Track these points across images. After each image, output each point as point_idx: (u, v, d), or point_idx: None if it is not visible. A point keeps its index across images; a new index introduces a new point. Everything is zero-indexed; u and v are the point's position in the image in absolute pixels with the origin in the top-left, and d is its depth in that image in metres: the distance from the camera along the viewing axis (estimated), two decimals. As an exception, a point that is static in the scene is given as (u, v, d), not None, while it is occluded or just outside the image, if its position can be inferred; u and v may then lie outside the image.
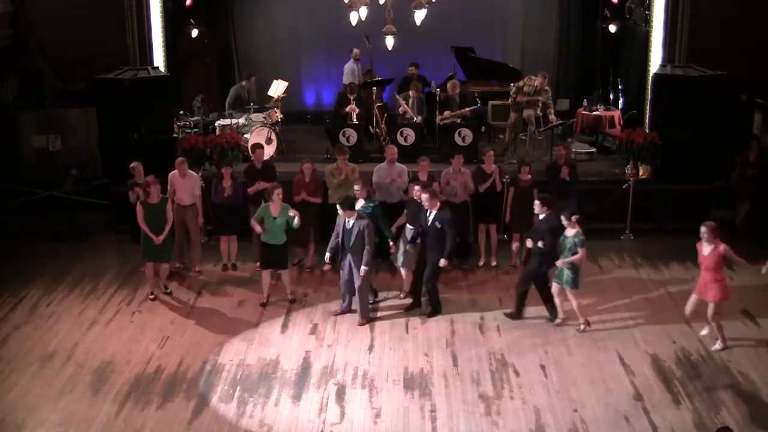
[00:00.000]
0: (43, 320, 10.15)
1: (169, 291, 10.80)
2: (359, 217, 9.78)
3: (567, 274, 9.45)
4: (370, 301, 10.31)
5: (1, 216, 13.63)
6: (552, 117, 13.63)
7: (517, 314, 9.99)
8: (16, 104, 14.97)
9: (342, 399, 8.33)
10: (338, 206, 9.84)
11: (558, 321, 9.81)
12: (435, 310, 10.15)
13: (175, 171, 11.27)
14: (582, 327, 9.66)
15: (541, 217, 9.75)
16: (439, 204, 9.93)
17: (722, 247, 9.00)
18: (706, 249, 9.05)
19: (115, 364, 9.03)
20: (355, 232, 9.71)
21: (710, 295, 9.06)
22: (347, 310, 10.19)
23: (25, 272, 11.55)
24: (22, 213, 13.89)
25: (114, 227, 12.94)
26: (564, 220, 9.43)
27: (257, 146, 11.93)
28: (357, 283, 9.89)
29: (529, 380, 8.63)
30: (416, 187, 10.25)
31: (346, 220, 9.79)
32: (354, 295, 10.04)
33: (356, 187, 10.35)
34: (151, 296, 10.67)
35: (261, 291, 10.58)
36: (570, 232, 9.43)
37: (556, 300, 9.78)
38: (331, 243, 10.01)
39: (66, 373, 8.86)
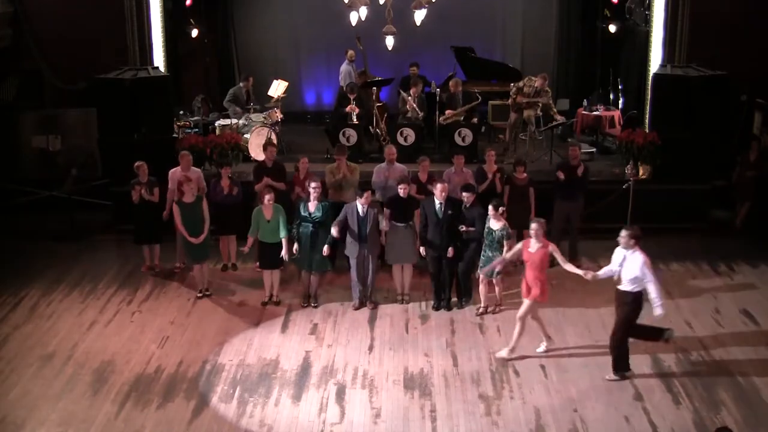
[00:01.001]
0: (43, 320, 10.15)
1: (209, 293, 10.75)
2: (370, 205, 10.03)
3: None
4: (314, 305, 10.47)
5: (1, 216, 13.63)
6: (557, 117, 13.63)
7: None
8: (16, 104, 14.97)
9: (342, 399, 8.33)
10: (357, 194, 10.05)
11: (481, 309, 10.20)
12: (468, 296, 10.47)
13: (176, 168, 11.24)
14: (498, 309, 10.21)
15: (468, 205, 9.97)
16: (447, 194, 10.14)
17: (551, 246, 8.91)
18: (533, 246, 8.93)
19: (115, 364, 9.04)
20: (370, 219, 9.99)
21: (530, 294, 8.96)
22: (364, 301, 10.40)
23: (25, 272, 11.55)
24: (22, 213, 13.88)
25: (114, 227, 12.94)
26: (491, 210, 9.70)
27: (269, 144, 11.89)
28: (372, 267, 10.21)
29: (529, 380, 8.63)
30: (401, 186, 10.23)
31: (360, 209, 9.95)
32: (368, 284, 10.36)
33: (312, 185, 10.18)
34: (199, 294, 10.68)
35: (261, 291, 10.59)
36: (496, 224, 9.72)
37: (481, 288, 10.10)
38: (336, 225, 9.95)
39: (66, 373, 8.86)
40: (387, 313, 10.25)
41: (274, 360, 9.11)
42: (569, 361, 9.02)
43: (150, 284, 11.13)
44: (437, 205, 10.01)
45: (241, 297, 10.75)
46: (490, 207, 9.75)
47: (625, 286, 8.42)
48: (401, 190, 10.22)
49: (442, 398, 8.32)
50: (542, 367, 8.90)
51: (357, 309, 10.33)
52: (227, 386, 8.58)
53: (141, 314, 10.28)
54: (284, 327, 9.92)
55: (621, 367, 8.64)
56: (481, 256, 9.97)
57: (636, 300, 8.40)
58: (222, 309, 10.41)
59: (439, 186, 10.01)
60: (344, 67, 15.31)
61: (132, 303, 10.60)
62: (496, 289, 10.20)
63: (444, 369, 8.88)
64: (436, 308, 10.35)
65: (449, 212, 9.96)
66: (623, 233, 8.42)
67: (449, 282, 10.35)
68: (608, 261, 11.60)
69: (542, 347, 9.22)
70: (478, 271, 10.02)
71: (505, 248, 9.69)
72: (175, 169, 11.26)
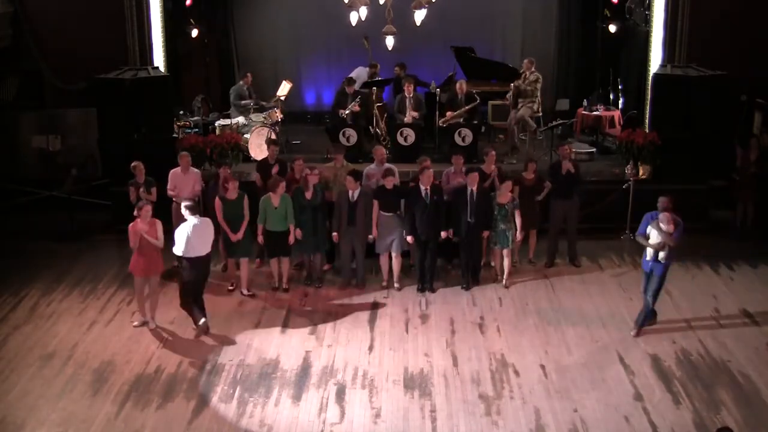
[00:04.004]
0: (43, 320, 10.15)
1: (252, 293, 10.80)
2: (362, 192, 10.46)
3: (510, 235, 10.64)
4: (318, 285, 10.98)
5: (1, 216, 13.62)
6: (532, 110, 13.82)
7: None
8: (16, 104, 14.96)
9: (342, 399, 8.34)
10: (348, 178, 10.46)
11: (505, 283, 10.95)
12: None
13: (177, 168, 11.25)
14: (507, 283, 10.91)
15: (474, 189, 10.50)
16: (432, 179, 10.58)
17: (138, 225, 9.52)
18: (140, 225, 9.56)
19: (115, 364, 9.04)
20: (361, 203, 10.40)
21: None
22: (351, 281, 10.93)
23: (25, 272, 11.55)
24: (22, 213, 13.88)
25: (114, 227, 12.93)
26: (506, 185, 10.55)
27: (272, 142, 11.93)
28: (359, 250, 10.74)
29: (529, 380, 8.63)
30: (388, 178, 10.58)
31: (351, 194, 10.40)
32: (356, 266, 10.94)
33: (310, 173, 10.68)
34: (231, 287, 10.85)
35: (261, 290, 10.64)
36: (505, 199, 10.52)
37: (497, 260, 10.98)
38: (336, 223, 10.61)
39: (66, 373, 8.87)
40: (387, 313, 10.26)
41: (274, 360, 9.11)
42: (569, 361, 9.02)
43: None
44: (423, 192, 10.40)
45: (241, 297, 10.74)
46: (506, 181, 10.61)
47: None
48: (388, 182, 10.51)
49: (442, 398, 8.32)
50: (542, 367, 8.91)
51: (343, 289, 10.78)
52: (227, 386, 8.58)
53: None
54: (284, 327, 9.92)
55: (196, 320, 9.56)
56: (494, 230, 10.64)
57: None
58: (222, 309, 10.41)
59: (426, 173, 10.44)
60: (360, 70, 15.24)
61: (132, 303, 10.56)
62: (506, 261, 10.79)
63: (444, 369, 8.89)
64: (421, 290, 10.74)
65: (435, 198, 10.40)
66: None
67: (432, 267, 10.77)
68: (608, 261, 11.77)
69: (136, 321, 9.93)
70: (493, 245, 10.82)
71: (517, 218, 10.59)
72: (175, 169, 11.27)
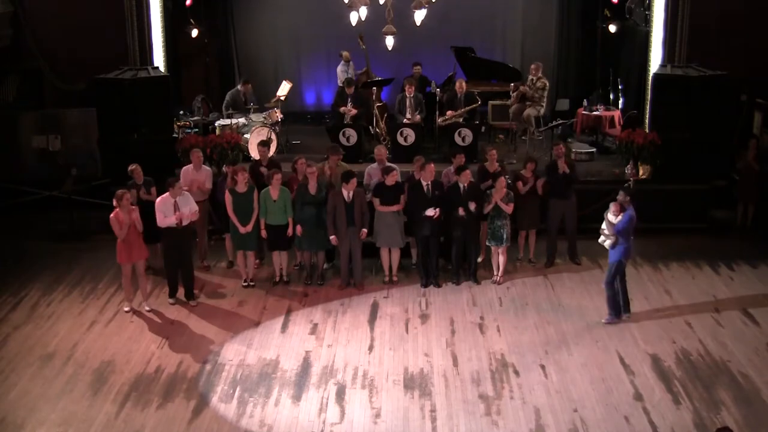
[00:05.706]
0: (43, 320, 10.16)
1: (254, 284, 11.04)
2: (356, 192, 10.52)
3: (506, 233, 10.70)
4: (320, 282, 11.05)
5: (1, 216, 13.62)
6: (538, 112, 13.84)
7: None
8: (16, 104, 14.96)
9: (342, 399, 8.34)
10: (352, 180, 10.50)
11: (498, 280, 11.03)
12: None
13: (188, 166, 11.27)
14: (500, 279, 11.00)
15: (466, 185, 10.67)
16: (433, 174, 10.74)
17: (120, 215, 9.89)
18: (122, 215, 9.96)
19: (115, 364, 9.05)
20: (357, 203, 10.48)
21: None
22: (349, 282, 10.92)
23: (25, 272, 11.56)
24: (22, 213, 13.88)
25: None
26: (501, 181, 10.61)
27: (263, 144, 11.96)
28: (357, 251, 10.72)
29: (529, 380, 8.63)
30: (393, 173, 10.74)
31: (347, 195, 10.45)
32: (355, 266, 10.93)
33: (309, 170, 10.75)
34: (244, 284, 10.99)
35: (260, 290, 10.67)
36: (500, 194, 10.59)
37: (494, 257, 10.99)
38: (330, 224, 10.57)
39: (66, 373, 8.87)
40: (387, 313, 10.26)
41: (274, 360, 9.12)
42: (569, 361, 9.02)
43: (150, 284, 11.11)
44: (425, 187, 10.56)
45: (241, 297, 10.75)
46: (501, 178, 10.67)
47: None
48: (389, 178, 10.61)
49: (442, 398, 8.32)
50: (542, 367, 8.91)
51: (343, 289, 10.81)
52: (227, 386, 8.59)
53: (141, 314, 10.27)
54: (284, 327, 9.93)
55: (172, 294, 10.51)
56: (489, 227, 10.76)
57: None
58: (222, 309, 10.42)
59: (428, 167, 10.60)
60: (340, 68, 15.33)
61: (132, 303, 10.58)
62: (501, 258, 10.87)
63: (444, 369, 8.89)
64: (425, 285, 10.84)
65: (436, 193, 10.55)
66: None
67: (435, 261, 10.88)
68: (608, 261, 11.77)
69: (127, 307, 10.33)
70: (488, 242, 10.92)
71: (509, 208, 10.63)
72: (187, 167, 11.29)
